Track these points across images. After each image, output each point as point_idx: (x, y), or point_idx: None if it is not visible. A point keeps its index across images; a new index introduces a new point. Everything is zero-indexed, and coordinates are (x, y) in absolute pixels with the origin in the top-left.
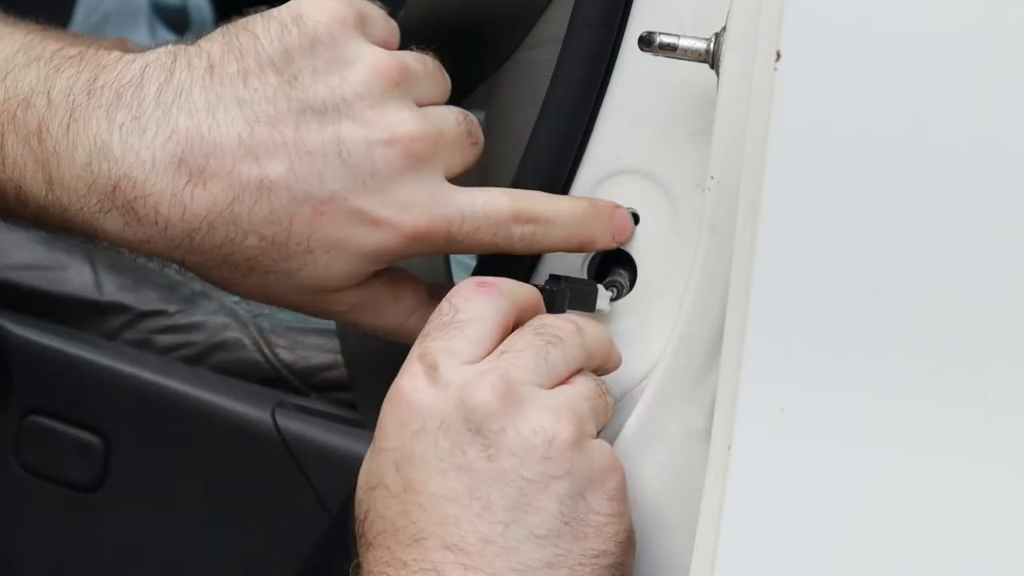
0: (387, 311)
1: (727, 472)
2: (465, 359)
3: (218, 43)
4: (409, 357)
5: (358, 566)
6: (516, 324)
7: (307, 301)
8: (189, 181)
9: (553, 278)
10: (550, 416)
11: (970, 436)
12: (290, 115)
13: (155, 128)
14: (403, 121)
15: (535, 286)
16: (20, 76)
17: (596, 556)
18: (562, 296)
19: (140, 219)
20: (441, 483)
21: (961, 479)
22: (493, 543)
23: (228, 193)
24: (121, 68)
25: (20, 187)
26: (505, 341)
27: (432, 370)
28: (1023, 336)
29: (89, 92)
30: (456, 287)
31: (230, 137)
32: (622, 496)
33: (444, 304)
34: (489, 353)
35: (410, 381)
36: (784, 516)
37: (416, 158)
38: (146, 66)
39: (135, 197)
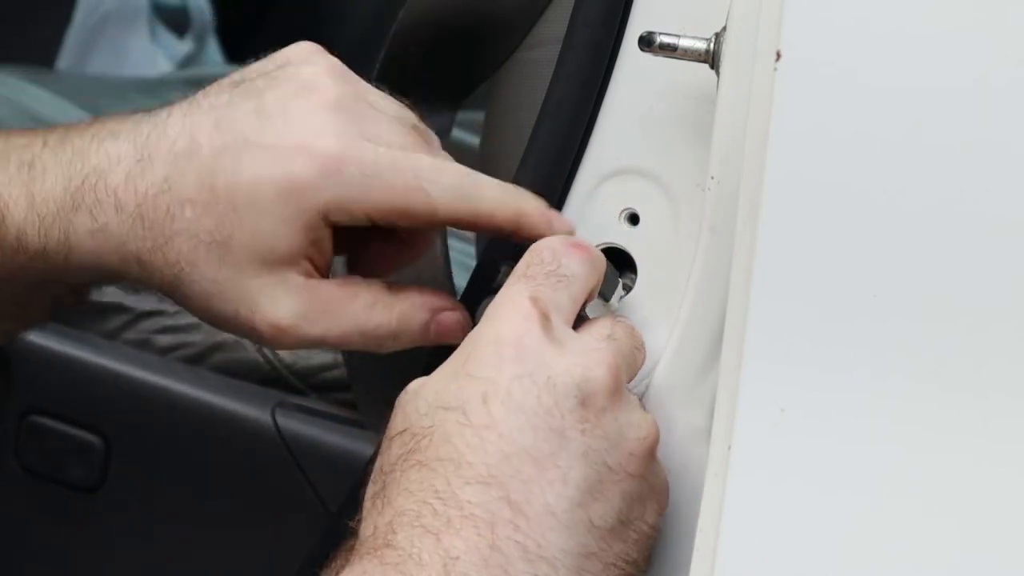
0: (344, 312)
1: (727, 472)
2: (565, 318)
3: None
4: (514, 293)
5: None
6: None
7: (249, 306)
8: (139, 161)
9: None
10: (646, 418)
11: (970, 436)
12: (224, 92)
13: (126, 134)
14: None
15: None
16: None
17: (628, 563)
18: (614, 278)
19: (100, 202)
20: (531, 436)
21: (961, 479)
22: (554, 516)
23: (165, 166)
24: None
25: (3, 216)
26: (609, 325)
27: (546, 320)
28: (1023, 336)
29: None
30: (549, 240)
31: (175, 124)
32: (661, 519)
33: (545, 251)
34: (574, 314)
35: (524, 323)
36: (784, 516)
37: (334, 106)
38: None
39: (97, 182)
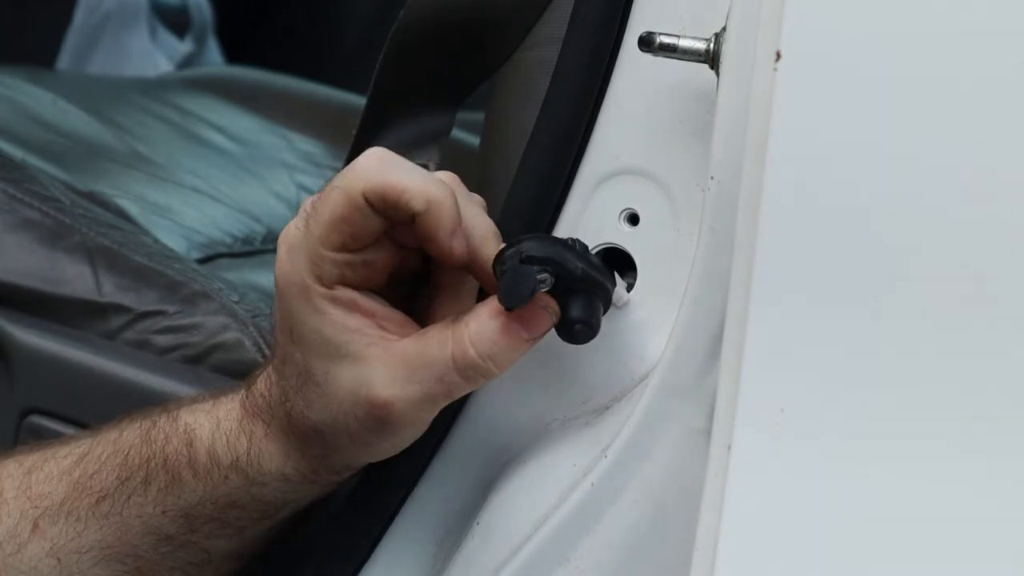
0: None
1: (727, 472)
2: None
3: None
4: None
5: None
6: None
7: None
8: None
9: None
10: None
11: (971, 436)
12: None
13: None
14: None
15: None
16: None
17: None
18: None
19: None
20: None
21: (962, 480)
22: None
23: None
24: None
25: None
26: None
27: None
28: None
29: None
30: None
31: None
32: None
33: None
34: None
35: None
36: (784, 516)
37: None
38: None
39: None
